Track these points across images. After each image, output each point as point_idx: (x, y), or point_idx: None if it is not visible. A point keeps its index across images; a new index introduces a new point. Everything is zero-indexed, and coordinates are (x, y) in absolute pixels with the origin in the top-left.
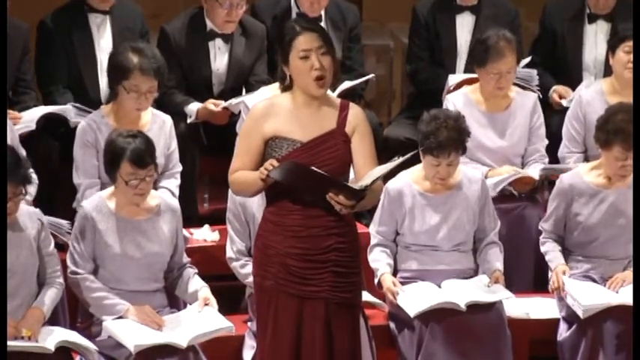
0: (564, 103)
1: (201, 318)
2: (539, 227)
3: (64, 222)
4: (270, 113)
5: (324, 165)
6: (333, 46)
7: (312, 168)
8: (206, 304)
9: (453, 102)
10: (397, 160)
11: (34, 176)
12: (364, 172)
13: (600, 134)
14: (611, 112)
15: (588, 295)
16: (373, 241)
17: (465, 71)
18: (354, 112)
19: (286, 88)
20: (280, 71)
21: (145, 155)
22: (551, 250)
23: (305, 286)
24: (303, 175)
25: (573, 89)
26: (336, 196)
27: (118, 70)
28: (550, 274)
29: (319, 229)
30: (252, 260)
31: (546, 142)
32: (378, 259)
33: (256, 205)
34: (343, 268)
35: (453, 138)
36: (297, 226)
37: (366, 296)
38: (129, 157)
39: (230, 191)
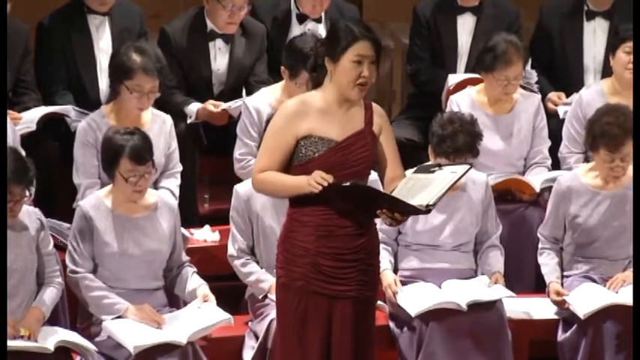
0: (560, 113)
1: (199, 313)
2: (538, 234)
3: (65, 225)
4: (303, 112)
5: (355, 165)
6: None
7: (382, 191)
8: (205, 301)
9: (457, 103)
10: (457, 176)
11: None
12: (392, 173)
13: (587, 137)
14: (598, 114)
15: (587, 303)
16: None
17: (466, 72)
18: (378, 111)
19: (317, 84)
20: (317, 65)
21: (143, 151)
22: (546, 264)
23: (335, 285)
24: (367, 198)
25: (573, 89)
26: (391, 212)
27: (120, 70)
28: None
29: (352, 228)
30: (277, 262)
31: (549, 143)
32: (381, 256)
33: (260, 204)
34: (368, 267)
35: (469, 143)
36: (331, 225)
37: None
38: (128, 153)
39: (235, 188)
